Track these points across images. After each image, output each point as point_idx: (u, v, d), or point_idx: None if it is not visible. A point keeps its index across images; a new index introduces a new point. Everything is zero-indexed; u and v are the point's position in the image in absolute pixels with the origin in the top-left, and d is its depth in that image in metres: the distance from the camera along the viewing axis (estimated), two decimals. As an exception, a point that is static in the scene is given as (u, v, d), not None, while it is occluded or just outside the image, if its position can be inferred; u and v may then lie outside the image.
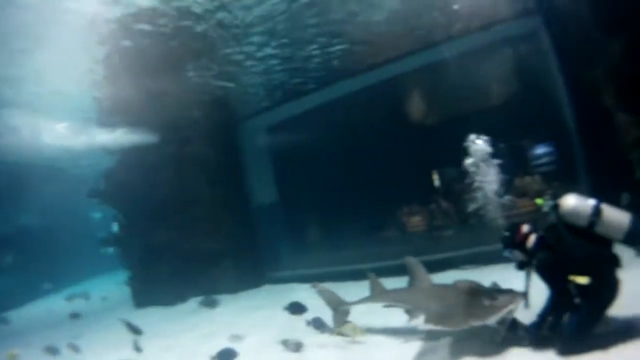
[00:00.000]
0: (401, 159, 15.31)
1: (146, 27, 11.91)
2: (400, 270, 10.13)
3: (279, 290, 13.54)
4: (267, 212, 17.38)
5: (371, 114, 16.12)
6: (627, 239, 5.41)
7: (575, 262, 5.44)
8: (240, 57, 13.72)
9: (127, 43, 12.52)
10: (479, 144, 9.02)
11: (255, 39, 12.89)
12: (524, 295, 5.85)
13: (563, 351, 5.36)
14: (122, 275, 17.11)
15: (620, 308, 5.49)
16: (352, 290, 10.26)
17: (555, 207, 5.72)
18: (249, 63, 14.16)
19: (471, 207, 9.54)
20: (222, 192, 15.05)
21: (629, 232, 5.36)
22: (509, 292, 6.04)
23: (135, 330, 10.35)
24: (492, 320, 5.94)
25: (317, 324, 8.50)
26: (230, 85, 15.06)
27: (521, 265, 6.00)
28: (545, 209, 5.87)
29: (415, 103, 16.66)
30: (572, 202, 5.59)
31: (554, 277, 5.66)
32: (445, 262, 10.80)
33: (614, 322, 5.60)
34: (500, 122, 11.71)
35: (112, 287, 20.40)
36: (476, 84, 13.94)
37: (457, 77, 13.86)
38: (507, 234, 6.08)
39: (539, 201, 6.06)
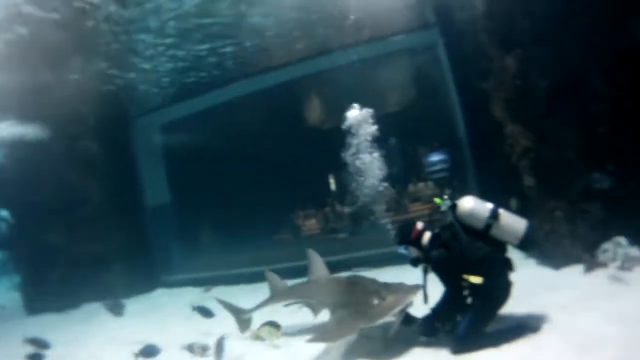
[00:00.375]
0: (297, 162, 15.52)
1: (33, 12, 11.33)
2: (295, 273, 10.37)
3: (173, 295, 13.39)
4: (159, 214, 16.96)
5: (267, 116, 16.31)
6: (521, 244, 5.70)
7: (469, 262, 5.63)
8: (131, 53, 13.40)
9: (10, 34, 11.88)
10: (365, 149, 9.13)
11: (146, 36, 12.63)
12: (423, 291, 5.92)
13: (456, 350, 5.54)
14: (13, 280, 16.05)
15: (511, 308, 5.83)
16: (247, 293, 10.46)
17: (453, 207, 5.90)
18: (140, 60, 13.85)
19: (365, 210, 9.76)
20: (112, 192, 14.46)
21: (524, 238, 5.64)
22: (401, 288, 6.12)
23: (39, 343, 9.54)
24: (381, 321, 5.99)
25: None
26: (121, 82, 14.57)
27: (415, 262, 6.21)
28: (443, 208, 6.00)
29: (312, 107, 16.99)
30: (470, 204, 5.80)
31: (449, 275, 5.84)
32: (339, 265, 10.90)
33: (504, 321, 5.89)
34: (397, 129, 12.20)
35: (1, 293, 18.94)
36: (373, 91, 14.29)
37: (354, 84, 14.19)
38: (402, 230, 6.28)
39: (437, 200, 6.14)
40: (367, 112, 8.52)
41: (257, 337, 7.62)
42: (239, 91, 16.11)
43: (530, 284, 5.78)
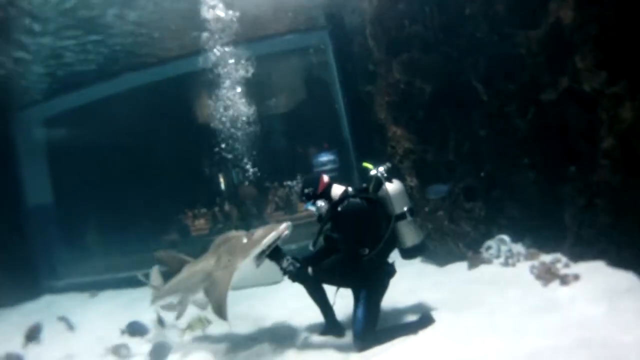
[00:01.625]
0: (186, 161, 15.19)
1: None
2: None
3: (58, 301, 12.56)
4: (42, 215, 15.84)
5: (155, 112, 15.78)
6: (409, 250, 5.95)
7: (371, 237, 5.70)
8: (12, 40, 12.42)
9: None
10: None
11: (28, 21, 11.78)
12: (316, 237, 5.92)
13: (361, 347, 5.52)
14: None
15: (397, 303, 6.16)
16: (136, 297, 10.05)
17: (379, 182, 5.85)
18: (21, 48, 12.86)
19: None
20: None
21: (416, 247, 5.92)
22: (269, 226, 5.88)
23: None
24: (256, 251, 5.68)
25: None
26: (1, 71, 13.48)
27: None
28: (372, 173, 5.92)
29: (201, 104, 16.67)
30: (401, 188, 5.87)
31: (352, 230, 5.65)
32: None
33: (391, 317, 6.16)
34: (288, 129, 12.24)
35: None
36: (262, 90, 14.22)
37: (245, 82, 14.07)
38: (307, 184, 5.95)
39: (368, 165, 6.07)
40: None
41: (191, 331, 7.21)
42: (126, 84, 15.36)
43: (415, 281, 5.94)
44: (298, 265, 5.78)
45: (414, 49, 8.72)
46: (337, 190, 5.92)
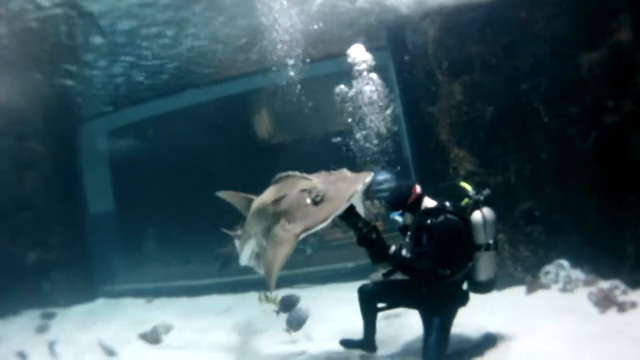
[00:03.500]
0: (244, 175, 15.44)
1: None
2: (239, 287, 10.32)
3: (113, 305, 13.03)
4: (103, 222, 16.43)
5: (215, 127, 16.22)
6: (481, 285, 5.72)
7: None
8: (81, 54, 13.01)
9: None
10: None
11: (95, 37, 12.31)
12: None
13: None
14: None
15: (456, 328, 5.88)
16: (187, 307, 10.38)
17: (477, 205, 5.48)
18: (89, 62, 13.43)
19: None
20: (56, 197, 13.86)
21: (487, 282, 5.68)
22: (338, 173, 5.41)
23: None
24: (360, 187, 4.94)
25: None
26: (69, 84, 14.06)
27: (406, 230, 5.72)
28: (472, 194, 5.55)
29: (261, 121, 17.03)
30: (493, 217, 5.52)
31: (440, 250, 5.23)
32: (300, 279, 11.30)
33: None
34: (342, 148, 12.28)
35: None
36: (321, 110, 14.40)
37: (303, 101, 14.29)
38: (397, 193, 5.61)
39: (465, 184, 5.76)
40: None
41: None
42: (187, 101, 15.89)
43: (473, 304, 5.85)
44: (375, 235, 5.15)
45: (476, 70, 8.70)
46: (428, 203, 5.55)
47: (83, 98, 15.29)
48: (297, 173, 5.55)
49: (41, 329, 10.69)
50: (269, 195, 5.87)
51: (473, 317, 6.26)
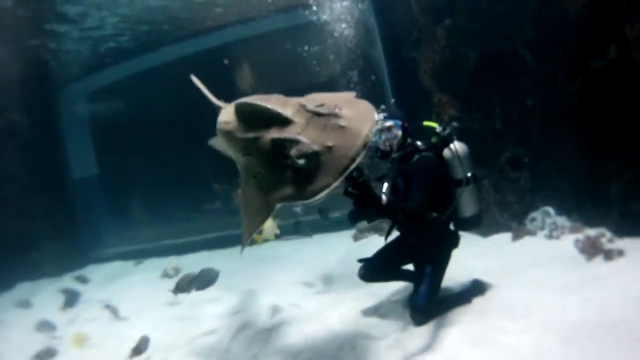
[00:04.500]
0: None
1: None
2: (227, 242, 10.32)
3: (102, 269, 13.03)
4: (87, 187, 16.26)
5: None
6: (466, 222, 5.55)
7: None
8: (56, 18, 12.60)
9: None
10: None
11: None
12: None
13: (419, 321, 5.33)
14: None
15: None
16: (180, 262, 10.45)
17: (448, 140, 5.38)
18: (65, 25, 13.03)
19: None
20: (38, 166, 13.64)
21: (473, 218, 5.50)
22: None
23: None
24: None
25: None
26: (47, 48, 13.79)
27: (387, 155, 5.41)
28: (439, 130, 5.44)
29: (243, 74, 16.71)
30: (467, 150, 5.40)
31: (426, 186, 4.99)
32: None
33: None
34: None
35: None
36: (303, 59, 14.18)
37: (284, 52, 14.02)
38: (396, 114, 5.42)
39: (430, 123, 5.58)
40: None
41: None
42: (167, 56, 15.52)
43: (459, 250, 5.84)
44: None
45: (459, 15, 8.54)
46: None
47: (58, 62, 14.96)
48: (260, 100, 3.91)
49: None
50: (232, 121, 4.28)
51: (459, 263, 6.29)
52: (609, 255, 6.02)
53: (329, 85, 13.61)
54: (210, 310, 7.64)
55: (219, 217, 14.83)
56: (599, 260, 6.10)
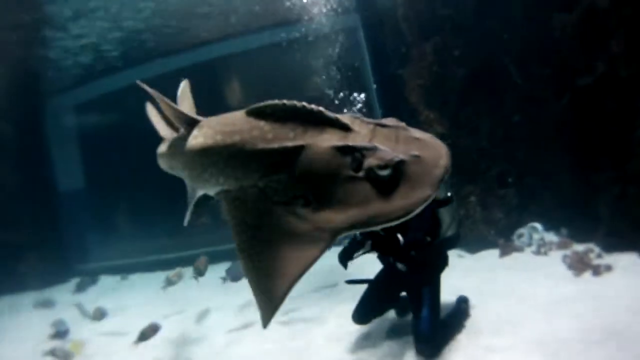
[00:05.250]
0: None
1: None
2: (215, 257, 10.22)
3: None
4: (73, 200, 16.10)
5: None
6: (448, 238, 5.32)
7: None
8: (47, 27, 12.56)
9: None
10: None
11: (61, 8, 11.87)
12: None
13: (430, 353, 5.07)
14: None
15: None
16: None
17: None
18: (55, 35, 13.03)
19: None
20: (24, 177, 13.39)
21: (454, 236, 5.34)
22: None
23: None
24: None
25: None
26: (35, 58, 13.68)
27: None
28: None
29: (230, 89, 16.68)
30: None
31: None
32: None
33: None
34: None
35: None
36: (292, 75, 14.16)
37: (272, 68, 14.02)
38: None
39: None
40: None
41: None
42: (153, 71, 15.46)
43: (448, 268, 5.77)
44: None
45: (446, 32, 8.58)
46: None
47: (47, 73, 14.90)
48: (313, 106, 2.99)
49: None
50: (238, 130, 3.13)
51: (448, 282, 6.23)
52: (597, 270, 6.03)
53: (317, 102, 13.68)
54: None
55: (207, 232, 14.71)
56: (587, 275, 6.11)
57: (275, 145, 2.89)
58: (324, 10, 11.21)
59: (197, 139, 3.40)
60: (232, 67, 16.22)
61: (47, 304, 10.75)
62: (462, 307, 5.78)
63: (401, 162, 2.66)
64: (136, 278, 12.43)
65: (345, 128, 2.86)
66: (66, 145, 16.57)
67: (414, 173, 2.69)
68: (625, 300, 5.21)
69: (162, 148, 4.62)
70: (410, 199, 2.65)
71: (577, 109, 7.09)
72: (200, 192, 4.14)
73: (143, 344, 7.04)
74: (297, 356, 5.71)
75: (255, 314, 2.89)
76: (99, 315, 8.77)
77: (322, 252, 2.70)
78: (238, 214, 2.99)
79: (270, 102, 3.04)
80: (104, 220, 17.50)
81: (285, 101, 3.00)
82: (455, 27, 8.50)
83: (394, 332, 5.71)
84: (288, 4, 11.34)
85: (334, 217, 2.73)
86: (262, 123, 3.02)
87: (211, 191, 3.50)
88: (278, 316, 6.21)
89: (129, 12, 12.40)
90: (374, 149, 2.71)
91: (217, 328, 7.21)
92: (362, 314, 5.54)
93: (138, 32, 13.59)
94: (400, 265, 5.29)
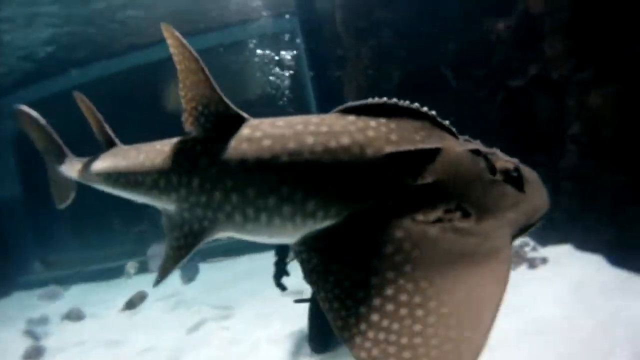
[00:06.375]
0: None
1: None
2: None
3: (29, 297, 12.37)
4: (11, 210, 15.52)
5: (124, 100, 15.51)
6: None
7: None
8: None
9: None
10: None
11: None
12: None
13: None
14: None
15: None
16: (112, 290, 10.01)
17: None
18: None
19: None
20: None
21: None
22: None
23: None
24: None
25: None
26: None
27: None
28: None
29: (168, 92, 16.44)
30: None
31: None
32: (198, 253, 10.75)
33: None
34: (253, 115, 12.13)
35: None
36: (232, 77, 14.08)
37: (212, 69, 13.88)
38: None
39: None
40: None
41: None
42: (95, 74, 15.08)
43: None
44: None
45: (383, 35, 8.75)
46: None
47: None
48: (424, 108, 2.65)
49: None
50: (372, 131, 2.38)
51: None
52: (532, 263, 6.26)
53: (254, 104, 13.69)
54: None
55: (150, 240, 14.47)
56: (523, 268, 6.32)
57: (411, 147, 2.26)
58: (264, 14, 11.26)
59: (263, 141, 2.30)
60: (167, 72, 16.02)
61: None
62: None
63: (518, 167, 2.56)
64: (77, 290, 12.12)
65: (452, 132, 2.61)
66: (1, 152, 15.94)
67: (528, 174, 2.64)
68: (562, 290, 5.40)
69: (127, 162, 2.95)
70: (542, 195, 2.57)
71: (511, 110, 7.35)
72: (179, 265, 2.59)
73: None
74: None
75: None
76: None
77: (509, 266, 2.03)
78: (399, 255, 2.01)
79: (377, 99, 2.56)
80: (45, 231, 16.83)
81: (398, 100, 2.62)
82: (392, 30, 8.68)
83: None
84: (227, 6, 11.36)
85: (499, 223, 2.29)
86: (373, 123, 2.39)
87: (271, 239, 2.37)
88: (220, 321, 6.20)
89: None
90: (494, 153, 2.62)
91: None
92: (318, 344, 5.45)
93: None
94: None
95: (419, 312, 1.78)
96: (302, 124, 2.31)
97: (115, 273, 11.71)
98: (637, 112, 5.43)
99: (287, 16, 11.36)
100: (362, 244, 2.02)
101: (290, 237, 2.22)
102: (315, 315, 5.41)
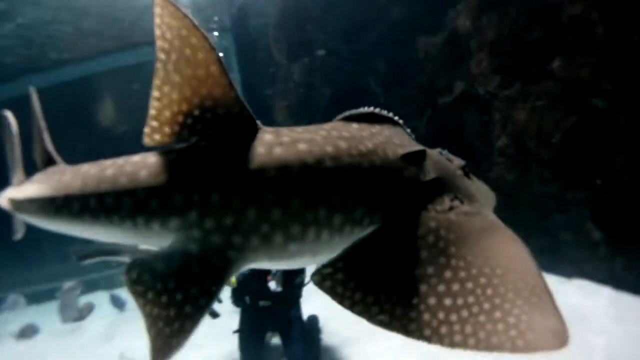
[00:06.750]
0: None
1: None
2: (92, 287, 9.68)
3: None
4: None
5: (59, 115, 15.05)
6: None
7: None
8: None
9: None
10: None
11: None
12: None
13: None
14: None
15: None
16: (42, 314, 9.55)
17: None
18: None
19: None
20: None
21: None
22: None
23: None
24: None
25: None
26: None
27: None
28: None
29: (103, 108, 16.05)
30: None
31: None
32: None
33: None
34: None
35: None
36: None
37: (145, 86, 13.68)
38: None
39: None
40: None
41: None
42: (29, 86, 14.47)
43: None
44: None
45: (315, 53, 8.88)
46: None
47: None
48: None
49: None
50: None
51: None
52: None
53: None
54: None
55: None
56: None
57: (413, 148, 2.29)
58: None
59: (299, 145, 1.98)
60: (104, 85, 15.69)
61: None
62: (314, 325, 5.91)
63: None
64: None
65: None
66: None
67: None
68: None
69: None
70: (485, 185, 2.79)
71: (439, 125, 7.58)
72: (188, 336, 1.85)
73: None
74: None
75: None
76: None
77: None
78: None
79: (368, 109, 2.48)
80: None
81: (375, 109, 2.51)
82: (323, 49, 8.82)
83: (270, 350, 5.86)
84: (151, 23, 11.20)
85: (481, 206, 2.45)
86: (375, 129, 2.40)
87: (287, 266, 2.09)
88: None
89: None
90: (448, 154, 2.70)
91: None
92: (251, 350, 5.54)
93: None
94: (262, 302, 5.36)
95: (483, 281, 1.85)
96: (323, 130, 2.10)
97: (50, 296, 11.23)
98: (560, 125, 5.71)
99: (215, 33, 11.32)
100: (404, 242, 2.02)
101: (331, 253, 1.98)
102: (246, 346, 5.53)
